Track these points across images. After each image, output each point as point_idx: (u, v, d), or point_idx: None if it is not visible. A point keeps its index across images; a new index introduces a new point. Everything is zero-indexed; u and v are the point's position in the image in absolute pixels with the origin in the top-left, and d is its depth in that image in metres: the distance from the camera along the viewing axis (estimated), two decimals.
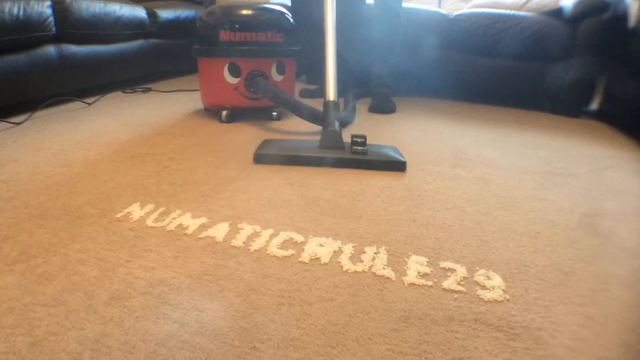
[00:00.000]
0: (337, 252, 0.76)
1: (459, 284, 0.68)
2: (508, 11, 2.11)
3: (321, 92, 2.12)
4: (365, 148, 1.17)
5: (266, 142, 1.26)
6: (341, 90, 2.09)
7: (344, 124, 1.58)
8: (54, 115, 1.61)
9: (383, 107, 1.87)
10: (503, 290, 0.66)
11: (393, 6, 1.96)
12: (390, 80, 2.02)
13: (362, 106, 1.94)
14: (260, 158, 1.17)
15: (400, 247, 0.78)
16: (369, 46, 2.12)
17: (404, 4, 2.02)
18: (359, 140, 1.18)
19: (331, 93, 1.31)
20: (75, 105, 1.77)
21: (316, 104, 1.50)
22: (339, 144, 1.21)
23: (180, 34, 2.47)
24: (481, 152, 1.36)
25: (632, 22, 1.73)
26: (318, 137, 1.26)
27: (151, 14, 2.28)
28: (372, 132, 1.53)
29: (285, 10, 1.62)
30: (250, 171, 1.12)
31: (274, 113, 1.63)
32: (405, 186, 1.06)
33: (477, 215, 0.92)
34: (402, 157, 1.19)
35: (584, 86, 1.98)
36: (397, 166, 1.16)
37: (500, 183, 1.11)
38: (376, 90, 2.00)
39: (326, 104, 1.31)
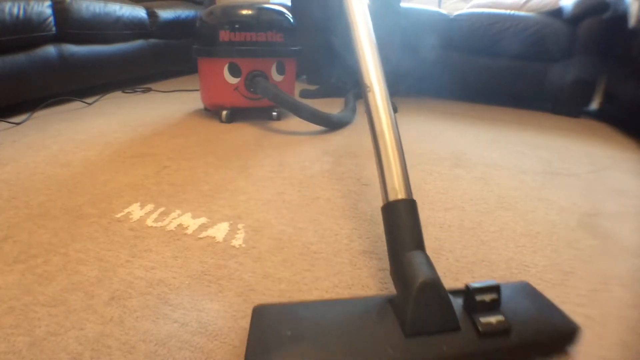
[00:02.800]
0: (337, 253, 0.76)
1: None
2: (508, 11, 2.11)
3: (321, 92, 2.14)
4: (503, 317, 0.51)
5: (263, 319, 0.52)
6: (342, 90, 2.11)
7: (343, 124, 1.58)
8: (54, 115, 1.61)
9: None
10: None
11: (392, 4, 1.96)
12: (390, 79, 2.03)
13: (363, 106, 1.94)
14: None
15: None
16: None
17: (404, 4, 2.03)
18: (487, 299, 0.53)
19: (399, 186, 0.62)
20: (75, 105, 1.77)
21: (316, 104, 1.51)
22: (447, 318, 0.51)
23: (180, 34, 2.47)
24: (481, 152, 1.36)
25: (632, 22, 1.73)
26: (378, 293, 0.65)
27: (151, 14, 2.28)
28: None
29: (285, 10, 1.62)
30: (250, 171, 1.12)
31: (274, 113, 1.63)
32: None
33: (477, 215, 0.92)
34: (562, 313, 0.56)
35: (584, 86, 1.98)
36: (563, 341, 0.55)
37: (500, 183, 1.11)
38: None
39: (390, 210, 0.62)
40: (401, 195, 0.60)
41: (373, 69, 0.74)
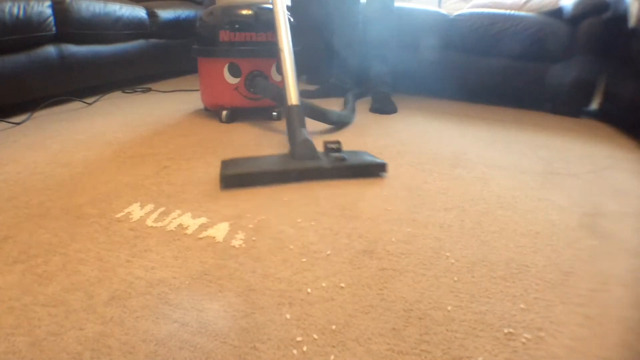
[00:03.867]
0: (337, 252, 0.76)
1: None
2: (508, 11, 2.11)
3: (320, 93, 2.13)
4: (342, 155, 1.09)
5: (229, 162, 1.06)
6: (342, 90, 2.11)
7: (344, 124, 1.58)
8: (54, 115, 1.61)
9: (384, 108, 1.87)
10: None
11: (387, 4, 1.96)
12: (389, 78, 2.03)
13: (363, 106, 1.94)
14: (229, 181, 1.00)
15: (400, 246, 0.78)
16: (367, 45, 2.12)
17: (405, 4, 2.03)
18: (334, 146, 1.10)
19: (293, 96, 1.18)
20: (75, 105, 1.77)
21: (316, 104, 1.50)
22: (313, 154, 1.09)
23: (180, 34, 2.47)
24: (481, 152, 1.36)
25: (632, 22, 1.73)
26: (282, 152, 1.16)
27: (151, 14, 2.28)
28: (373, 132, 1.53)
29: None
30: None
31: (274, 113, 1.63)
32: (405, 186, 1.06)
33: (477, 215, 0.92)
34: (379, 160, 1.12)
35: (584, 86, 1.98)
36: (378, 169, 1.10)
37: (500, 183, 1.11)
38: (376, 89, 2.00)
39: (290, 109, 1.17)
40: (294, 102, 1.19)
41: (285, 36, 1.27)
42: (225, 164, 1.05)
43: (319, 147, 1.13)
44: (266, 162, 1.07)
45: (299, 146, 1.08)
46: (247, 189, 1.00)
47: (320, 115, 1.48)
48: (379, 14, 1.98)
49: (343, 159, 1.07)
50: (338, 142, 1.12)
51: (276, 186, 1.03)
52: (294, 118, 1.16)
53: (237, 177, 1.00)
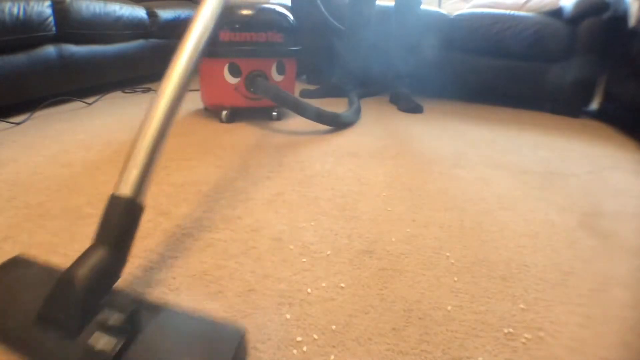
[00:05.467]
0: (337, 252, 0.76)
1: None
2: (508, 11, 2.11)
3: (321, 93, 2.14)
4: (115, 348, 0.45)
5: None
6: (343, 90, 2.11)
7: (347, 124, 1.58)
8: (54, 115, 1.61)
9: (414, 107, 1.92)
10: None
11: (413, 6, 1.98)
12: (408, 79, 2.07)
13: (365, 106, 1.94)
14: None
15: (400, 246, 0.78)
16: (373, 47, 2.13)
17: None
18: (114, 320, 0.46)
19: (131, 179, 0.58)
20: (75, 105, 1.77)
21: (316, 104, 1.51)
22: (71, 321, 0.48)
23: (181, 34, 2.47)
24: (481, 152, 1.36)
25: (632, 22, 1.73)
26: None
27: (151, 14, 2.28)
28: (373, 133, 1.53)
29: (285, 10, 1.62)
30: (250, 171, 1.12)
31: (274, 113, 1.63)
32: (405, 186, 1.06)
33: (477, 215, 0.92)
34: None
35: (584, 86, 1.98)
36: None
37: (500, 183, 1.11)
38: (398, 90, 2.03)
39: (111, 204, 0.58)
40: (125, 192, 0.58)
41: (178, 74, 0.70)
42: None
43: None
44: (16, 301, 0.54)
45: (53, 292, 0.50)
46: (249, 190, 1.00)
47: (324, 118, 1.48)
48: (404, 16, 2.01)
49: (113, 352, 0.45)
50: (137, 303, 0.50)
51: (276, 186, 1.03)
52: (106, 224, 0.56)
53: None
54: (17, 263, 0.60)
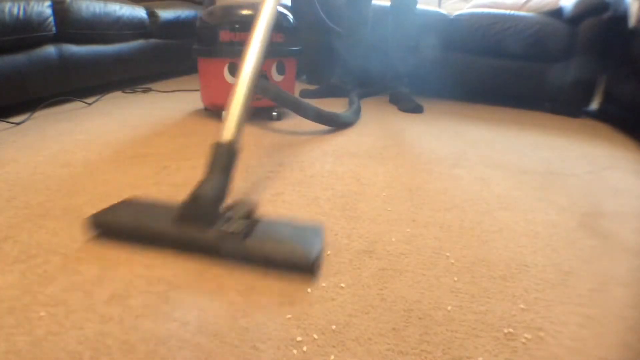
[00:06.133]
0: (337, 252, 0.76)
1: None
2: (508, 11, 2.12)
3: (321, 93, 2.14)
4: (244, 230, 0.70)
5: (119, 204, 0.83)
6: (343, 90, 2.11)
7: (348, 125, 1.58)
8: (54, 115, 1.61)
9: (414, 107, 1.92)
10: None
11: (409, 6, 1.98)
12: (407, 79, 2.07)
13: (366, 105, 1.94)
14: (96, 224, 0.77)
15: (400, 246, 0.78)
16: (371, 46, 2.14)
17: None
18: (238, 214, 0.72)
19: (228, 129, 0.82)
20: (75, 105, 1.77)
21: (316, 104, 1.51)
22: (204, 217, 0.72)
23: (180, 34, 2.47)
24: (481, 152, 1.36)
25: (632, 22, 1.73)
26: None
27: (151, 14, 2.28)
28: (373, 133, 1.53)
29: (285, 10, 1.62)
30: (250, 171, 1.12)
31: (274, 113, 1.63)
32: (405, 186, 1.06)
33: (477, 215, 0.92)
34: (316, 249, 0.69)
35: (584, 86, 1.98)
36: (296, 267, 0.68)
37: (500, 183, 1.11)
38: (397, 90, 2.03)
39: (216, 147, 0.80)
40: (227, 137, 0.81)
41: (254, 55, 0.92)
42: (122, 203, 0.83)
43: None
44: (151, 215, 0.78)
45: (190, 203, 0.73)
46: (249, 191, 1.00)
47: (324, 118, 1.48)
48: (401, 16, 2.01)
49: (242, 236, 0.69)
50: (250, 207, 0.75)
51: (276, 186, 1.03)
52: (215, 161, 0.79)
53: (105, 223, 0.77)
54: (129, 201, 0.84)
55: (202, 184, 0.75)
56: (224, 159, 0.78)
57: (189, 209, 0.73)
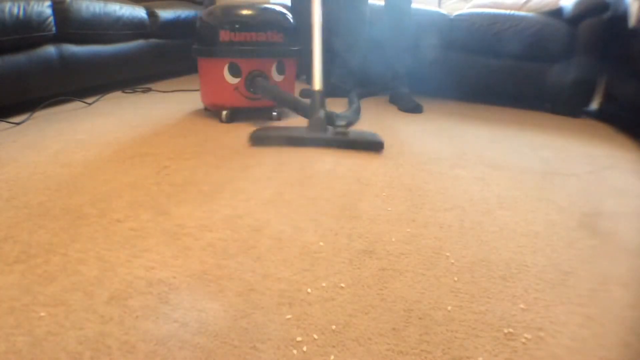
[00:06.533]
0: (337, 252, 0.76)
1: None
2: (508, 11, 2.11)
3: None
4: (346, 130, 1.36)
5: (261, 129, 1.40)
6: (343, 90, 2.11)
7: (348, 124, 1.58)
8: (54, 115, 1.61)
9: (414, 107, 1.93)
10: None
11: (403, 7, 1.98)
12: (407, 79, 2.06)
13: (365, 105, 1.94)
14: (256, 139, 1.32)
15: (400, 247, 0.78)
16: (370, 46, 2.13)
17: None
18: (341, 124, 1.41)
19: (317, 82, 1.42)
20: (75, 105, 1.77)
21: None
22: (323, 128, 1.37)
23: (180, 34, 2.47)
24: (481, 152, 1.36)
25: (632, 22, 1.73)
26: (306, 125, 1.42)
27: (151, 14, 2.28)
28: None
29: (285, 10, 1.62)
30: (250, 171, 1.12)
31: (274, 113, 1.63)
32: (405, 186, 1.06)
33: (477, 215, 0.92)
34: (380, 139, 1.35)
35: (584, 86, 1.98)
36: (375, 146, 1.32)
37: (500, 183, 1.11)
38: (397, 90, 2.03)
39: (313, 93, 1.41)
40: (318, 87, 1.42)
41: (317, 17, 1.46)
42: (258, 129, 1.38)
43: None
44: (287, 130, 1.42)
45: (314, 121, 1.37)
46: (249, 190, 1.00)
47: (329, 119, 1.50)
48: (395, 16, 2.00)
49: (346, 134, 1.34)
50: (346, 121, 1.47)
51: (276, 186, 1.03)
52: (316, 100, 1.39)
53: (262, 138, 1.33)
54: (264, 128, 1.45)
55: (314, 112, 1.37)
56: (321, 100, 1.40)
57: (314, 124, 1.37)
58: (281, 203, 0.94)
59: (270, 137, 1.34)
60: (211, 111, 1.70)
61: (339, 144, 1.32)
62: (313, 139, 1.33)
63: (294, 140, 1.33)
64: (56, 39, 1.69)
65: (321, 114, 1.37)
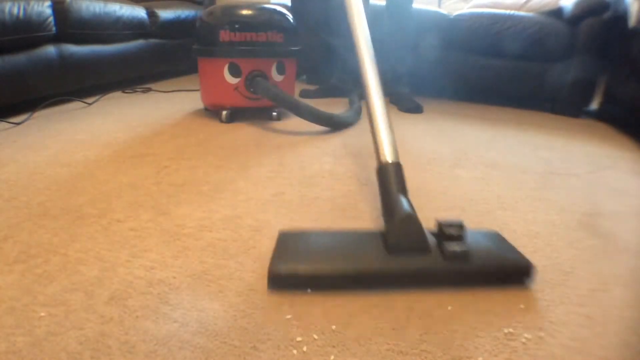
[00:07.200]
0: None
1: None
2: (508, 11, 2.11)
3: (321, 93, 2.14)
4: (466, 249, 0.66)
5: (287, 241, 0.72)
6: (343, 90, 2.11)
7: (345, 124, 1.58)
8: (54, 115, 1.61)
9: (414, 107, 1.92)
10: None
11: (404, 6, 1.98)
12: (407, 79, 2.06)
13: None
14: (281, 280, 0.65)
15: None
16: (383, 46, 2.13)
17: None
18: (453, 231, 0.69)
19: (386, 149, 0.81)
20: (75, 105, 1.77)
21: (317, 104, 1.51)
22: (419, 243, 0.68)
23: (180, 34, 2.47)
24: (481, 152, 1.36)
25: (632, 22, 1.73)
26: (366, 228, 0.83)
27: (151, 14, 2.28)
28: None
29: (285, 10, 1.62)
30: (251, 171, 1.12)
31: (274, 113, 1.63)
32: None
33: (477, 215, 0.92)
34: (522, 257, 0.70)
35: (584, 86, 1.98)
36: (518, 274, 0.69)
37: (500, 183, 1.11)
38: (398, 90, 2.03)
39: (383, 170, 0.79)
40: (390, 159, 0.80)
41: (372, 72, 0.97)
42: (282, 244, 0.71)
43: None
44: (344, 251, 0.69)
45: (400, 230, 0.69)
46: (249, 190, 1.00)
47: (323, 119, 1.48)
48: (396, 16, 2.00)
49: (466, 256, 0.66)
50: (459, 223, 0.70)
51: (276, 186, 1.03)
52: (390, 182, 0.77)
53: (294, 275, 0.65)
54: (288, 237, 0.74)
55: (395, 208, 0.71)
56: (398, 179, 0.77)
57: (403, 235, 0.68)
58: (281, 203, 0.94)
59: (311, 273, 0.66)
60: (211, 111, 1.70)
61: (457, 280, 0.68)
62: (403, 274, 0.67)
63: (363, 280, 0.67)
64: (56, 39, 1.69)
65: (405, 207, 0.71)
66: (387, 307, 0.62)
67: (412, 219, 0.69)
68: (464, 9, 2.32)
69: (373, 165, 1.20)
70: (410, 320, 0.60)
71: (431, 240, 0.69)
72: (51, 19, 1.63)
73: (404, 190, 0.76)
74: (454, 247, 0.66)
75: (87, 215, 0.85)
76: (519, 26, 2.00)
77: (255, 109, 1.63)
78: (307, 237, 0.73)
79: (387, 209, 0.74)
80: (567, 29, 1.95)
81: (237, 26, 1.49)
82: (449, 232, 0.68)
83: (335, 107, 1.78)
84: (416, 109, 1.91)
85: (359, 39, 1.05)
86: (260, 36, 1.51)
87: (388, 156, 0.80)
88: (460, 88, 2.23)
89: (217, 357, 0.52)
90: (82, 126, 1.48)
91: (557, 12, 2.05)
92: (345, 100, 1.99)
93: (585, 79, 1.95)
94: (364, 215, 0.90)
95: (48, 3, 1.62)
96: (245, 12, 1.51)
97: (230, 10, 1.52)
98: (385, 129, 0.84)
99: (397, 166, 0.78)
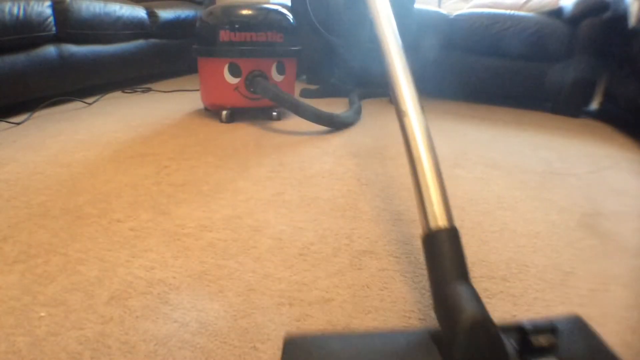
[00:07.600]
0: (337, 252, 0.76)
1: None
2: (508, 11, 2.11)
3: (321, 93, 2.14)
4: (554, 340, 0.47)
5: (294, 353, 0.47)
6: (343, 90, 2.11)
7: (345, 124, 1.58)
8: (54, 115, 1.61)
9: None
10: None
11: (407, 6, 1.98)
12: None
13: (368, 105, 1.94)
14: None
15: (401, 247, 0.78)
16: (371, 46, 2.13)
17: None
18: (544, 342, 0.47)
19: (438, 210, 0.58)
20: (75, 105, 1.77)
21: (317, 104, 1.51)
22: (501, 353, 0.45)
23: (180, 34, 2.47)
24: (481, 152, 1.36)
25: (632, 22, 1.73)
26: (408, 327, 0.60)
27: (151, 14, 2.28)
28: (373, 133, 1.53)
29: (285, 10, 1.62)
30: (250, 171, 1.12)
31: (274, 113, 1.63)
32: (405, 186, 1.06)
33: (477, 215, 0.92)
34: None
35: (584, 86, 1.98)
36: None
37: (500, 183, 1.11)
38: None
39: (432, 240, 0.55)
40: (442, 223, 0.55)
41: (408, 93, 0.73)
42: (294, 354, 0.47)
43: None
44: None
45: (468, 339, 0.46)
46: (249, 190, 1.00)
47: (323, 119, 1.48)
48: (397, 16, 2.00)
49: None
50: (552, 327, 0.47)
51: (276, 186, 1.03)
52: (445, 260, 0.53)
53: None
54: (294, 342, 0.48)
55: (460, 304, 0.47)
56: (458, 255, 0.53)
57: (469, 348, 0.45)
58: (281, 203, 0.94)
59: None
60: (211, 111, 1.70)
61: None
62: None
63: None
64: (56, 39, 1.69)
65: (473, 304, 0.47)
66: (387, 307, 0.62)
67: (485, 325, 0.45)
68: (464, 9, 2.32)
69: (373, 165, 1.20)
70: (410, 321, 0.60)
71: (511, 353, 0.46)
72: (51, 19, 1.63)
73: (465, 273, 0.52)
74: (540, 339, 0.46)
75: (87, 215, 0.85)
76: (519, 26, 2.00)
77: (255, 109, 1.63)
78: (323, 347, 0.48)
79: (443, 302, 0.50)
80: (567, 29, 1.95)
81: (237, 26, 1.49)
82: (538, 344, 0.46)
83: (335, 107, 1.78)
84: None
85: (389, 53, 0.82)
86: (260, 36, 1.51)
87: (439, 219, 0.56)
88: (460, 88, 2.23)
89: (217, 357, 0.52)
90: (82, 126, 1.48)
91: (557, 12, 2.05)
92: (346, 100, 1.99)
93: (585, 79, 1.95)
94: (364, 216, 0.90)
95: (48, 3, 1.62)
96: (245, 12, 1.51)
97: (230, 10, 1.52)
98: (433, 180, 0.63)
99: (453, 234, 0.55)
